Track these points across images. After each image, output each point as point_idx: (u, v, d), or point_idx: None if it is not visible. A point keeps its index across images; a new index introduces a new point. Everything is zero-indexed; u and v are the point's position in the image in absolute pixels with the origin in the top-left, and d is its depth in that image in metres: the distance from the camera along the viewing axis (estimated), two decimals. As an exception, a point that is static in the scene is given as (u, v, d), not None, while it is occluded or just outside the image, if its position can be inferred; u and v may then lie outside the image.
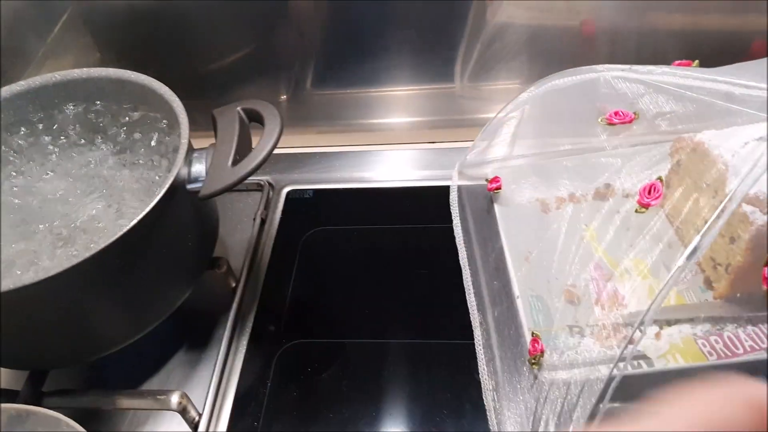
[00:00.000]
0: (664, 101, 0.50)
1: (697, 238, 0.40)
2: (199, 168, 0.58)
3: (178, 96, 0.61)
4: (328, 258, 0.70)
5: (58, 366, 0.61)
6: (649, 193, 0.49)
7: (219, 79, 0.87)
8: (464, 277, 0.63)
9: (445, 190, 0.73)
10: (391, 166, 0.80)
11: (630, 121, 0.52)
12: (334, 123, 0.87)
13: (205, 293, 0.66)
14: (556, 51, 0.78)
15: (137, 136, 0.66)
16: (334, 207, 0.75)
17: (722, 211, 0.41)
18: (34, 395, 0.58)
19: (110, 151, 0.65)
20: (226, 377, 0.61)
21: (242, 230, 0.74)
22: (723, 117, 0.47)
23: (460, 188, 0.70)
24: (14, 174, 0.64)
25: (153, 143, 0.65)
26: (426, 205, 0.74)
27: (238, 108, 0.61)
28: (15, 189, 0.63)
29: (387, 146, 0.83)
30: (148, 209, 0.53)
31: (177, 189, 0.56)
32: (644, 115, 0.52)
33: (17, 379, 0.62)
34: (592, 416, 0.46)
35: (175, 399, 0.57)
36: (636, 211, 0.50)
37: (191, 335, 0.66)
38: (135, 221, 0.52)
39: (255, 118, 0.61)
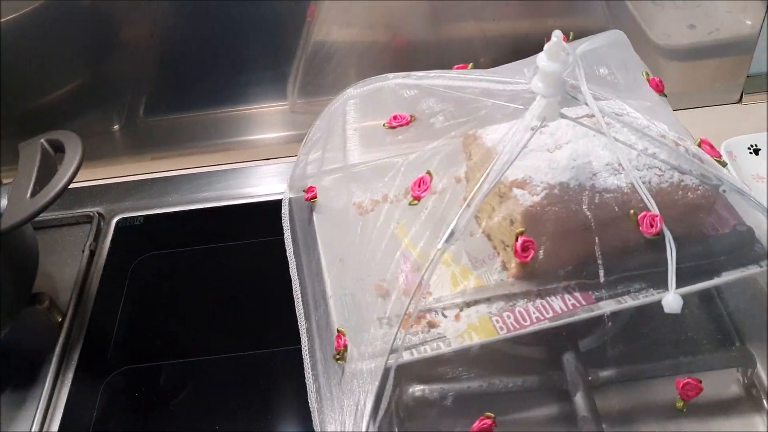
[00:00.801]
0: (435, 102, 0.54)
1: (454, 222, 0.44)
2: (2, 203, 0.57)
3: (7, 132, 0.60)
4: (158, 283, 0.70)
5: None
6: (418, 186, 0.53)
7: (49, 113, 0.86)
8: (293, 287, 0.64)
9: (279, 204, 0.75)
10: (226, 185, 0.81)
11: (407, 124, 0.56)
12: (169, 148, 0.87)
13: (29, 330, 0.65)
14: (372, 64, 0.82)
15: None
16: (165, 231, 0.75)
17: (477, 193, 0.45)
18: None
19: None
20: (50, 413, 0.60)
21: (71, 264, 0.73)
22: (483, 111, 0.51)
23: (290, 201, 0.72)
24: None
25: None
26: (261, 220, 0.75)
27: (42, 140, 0.61)
28: None
29: (222, 166, 0.84)
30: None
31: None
32: (420, 117, 0.55)
33: None
34: (390, 401, 0.49)
35: (-10, 441, 0.55)
36: (410, 204, 0.54)
37: (15, 374, 0.64)
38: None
39: (58, 148, 0.61)
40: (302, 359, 0.60)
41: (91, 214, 0.77)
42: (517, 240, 0.51)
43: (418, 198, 0.53)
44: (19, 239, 0.63)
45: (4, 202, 0.58)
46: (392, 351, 0.50)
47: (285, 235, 0.70)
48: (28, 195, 0.56)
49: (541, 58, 0.46)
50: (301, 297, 0.64)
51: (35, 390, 0.62)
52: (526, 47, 0.80)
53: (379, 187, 0.67)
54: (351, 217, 0.66)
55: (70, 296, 0.68)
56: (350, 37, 0.83)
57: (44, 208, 0.56)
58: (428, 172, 0.53)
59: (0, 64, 0.78)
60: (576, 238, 0.52)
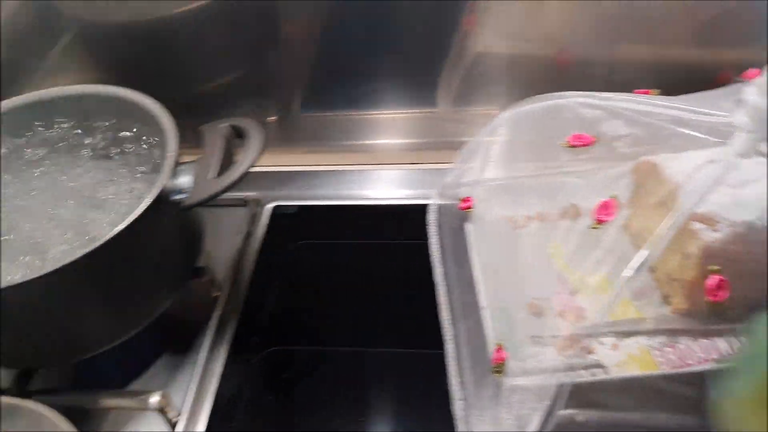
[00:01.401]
0: (621, 125, 0.53)
1: (645, 252, 0.43)
2: (184, 180, 0.61)
3: (171, 115, 0.65)
4: (310, 270, 0.73)
5: (44, 366, 0.63)
6: (603, 210, 0.52)
7: (210, 100, 0.90)
8: (439, 292, 0.65)
9: (426, 208, 0.76)
10: (375, 185, 0.83)
11: (590, 144, 0.56)
12: (321, 143, 0.90)
13: (189, 301, 0.68)
14: (533, 79, 0.81)
15: (127, 149, 0.69)
16: (318, 222, 0.78)
17: (669, 227, 0.44)
18: (21, 393, 0.61)
19: (99, 164, 0.68)
20: (206, 380, 0.63)
21: (228, 244, 0.77)
22: (673, 140, 0.50)
23: (438, 207, 0.73)
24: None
25: (142, 157, 0.68)
26: (406, 222, 0.77)
27: (225, 124, 0.64)
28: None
29: (371, 166, 0.86)
30: (134, 216, 0.56)
31: (163, 199, 0.59)
32: (603, 138, 0.55)
33: (4, 377, 0.64)
34: (548, 420, 0.49)
35: (154, 399, 0.59)
36: (591, 227, 0.53)
37: (174, 340, 0.68)
38: (121, 227, 0.55)
39: (241, 134, 0.64)
40: (441, 364, 0.61)
41: (248, 199, 0.81)
42: (706, 277, 0.49)
43: (600, 222, 0.52)
44: (191, 215, 0.67)
45: (188, 179, 0.61)
46: (554, 371, 0.50)
47: (431, 240, 0.71)
48: (213, 175, 0.60)
49: (750, 92, 0.45)
50: (448, 304, 0.65)
51: (191, 356, 0.66)
52: (699, 76, 0.78)
53: (535, 203, 0.67)
54: (506, 230, 0.67)
55: (226, 274, 0.72)
56: (511, 49, 0.83)
57: (228, 189, 0.59)
58: (613, 197, 0.53)
59: (170, 52, 0.84)
60: (756, 281, 0.50)
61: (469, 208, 0.66)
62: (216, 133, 0.63)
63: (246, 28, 0.85)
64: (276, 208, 0.80)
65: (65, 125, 0.70)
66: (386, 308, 0.69)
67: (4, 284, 0.52)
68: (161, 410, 0.59)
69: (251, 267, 0.73)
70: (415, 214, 0.76)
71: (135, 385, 0.65)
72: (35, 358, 0.61)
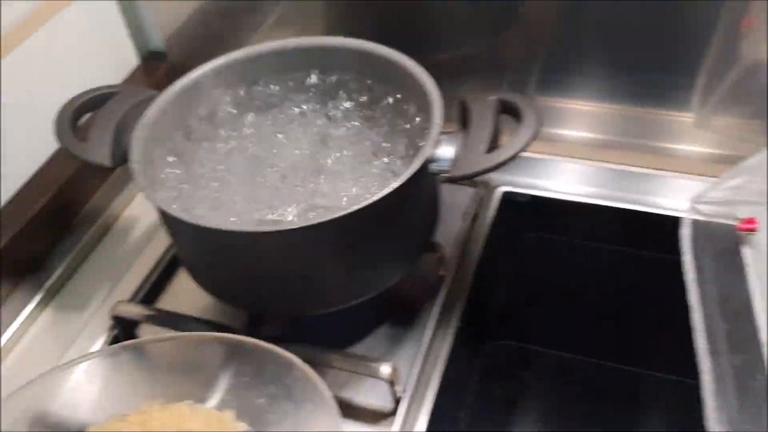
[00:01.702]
0: None
1: None
2: (445, 150, 0.58)
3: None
4: (541, 266, 0.69)
5: (278, 313, 0.63)
6: None
7: (440, 70, 0.87)
8: (693, 317, 0.59)
9: (670, 220, 0.70)
10: (612, 184, 0.77)
11: None
12: (555, 131, 0.85)
13: (415, 275, 0.66)
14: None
15: (379, 111, 0.67)
16: (551, 216, 0.73)
17: None
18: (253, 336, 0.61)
19: (350, 122, 0.67)
20: (430, 362, 0.61)
21: (452, 223, 0.73)
22: None
23: (695, 222, 0.66)
24: (253, 130, 0.67)
25: (396, 120, 0.66)
26: (648, 232, 0.71)
27: (494, 98, 0.61)
28: (250, 145, 0.66)
29: (611, 165, 0.79)
30: (400, 181, 0.54)
31: (425, 167, 0.56)
32: None
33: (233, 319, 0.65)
34: None
35: (386, 369, 0.57)
36: None
37: (397, 312, 0.66)
38: (386, 191, 0.53)
39: (510, 111, 0.60)
40: (686, 394, 0.55)
41: (477, 179, 0.77)
42: None
43: None
44: (435, 187, 0.64)
45: (447, 150, 0.58)
46: None
47: (684, 257, 0.65)
48: (483, 150, 0.56)
49: None
50: (706, 331, 0.58)
51: (414, 333, 0.64)
52: None
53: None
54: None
55: (452, 254, 0.69)
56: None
57: (498, 167, 0.55)
58: None
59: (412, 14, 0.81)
60: None
61: (752, 230, 0.59)
62: (485, 105, 0.60)
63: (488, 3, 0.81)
64: (506, 194, 0.76)
65: (313, 78, 0.69)
66: (621, 320, 0.64)
67: (274, 228, 0.52)
68: (390, 382, 0.57)
69: (479, 252, 0.70)
70: (657, 225, 0.70)
71: (354, 350, 0.63)
72: (271, 305, 0.61)
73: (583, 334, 0.62)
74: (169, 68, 0.90)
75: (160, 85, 0.84)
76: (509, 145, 0.56)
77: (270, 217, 0.59)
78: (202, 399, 0.54)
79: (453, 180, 0.56)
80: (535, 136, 0.57)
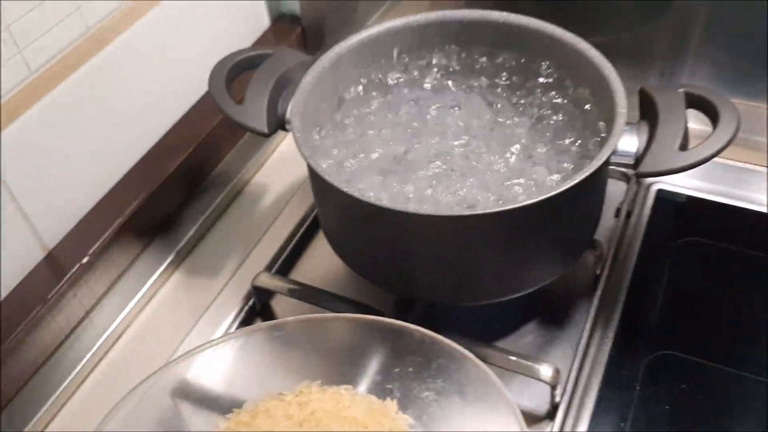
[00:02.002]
0: None
1: None
2: (628, 142, 0.54)
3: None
4: (701, 273, 0.64)
5: (429, 300, 0.60)
6: None
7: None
8: None
9: None
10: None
11: None
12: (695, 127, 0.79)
13: (568, 271, 0.62)
14: None
15: (542, 93, 0.63)
16: (710, 220, 0.68)
17: None
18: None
19: (512, 105, 0.63)
20: (587, 368, 0.57)
21: (605, 219, 0.69)
22: None
23: None
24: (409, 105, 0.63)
25: (564, 105, 0.62)
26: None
27: (681, 91, 0.56)
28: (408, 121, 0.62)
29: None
30: (585, 174, 0.50)
31: (609, 160, 0.52)
32: None
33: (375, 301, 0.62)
34: None
35: (548, 371, 0.53)
36: None
37: (547, 309, 0.62)
38: (570, 183, 0.50)
39: (700, 107, 0.55)
40: None
41: (628, 173, 0.72)
42: None
43: None
44: (602, 182, 0.60)
45: (631, 142, 0.54)
46: None
47: None
48: (676, 147, 0.52)
49: None
50: None
51: (568, 334, 0.61)
52: None
53: None
54: None
55: (607, 253, 0.65)
56: None
57: (693, 167, 0.51)
58: None
59: None
60: None
61: None
62: (673, 98, 0.55)
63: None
64: (660, 191, 0.71)
65: (478, 53, 0.66)
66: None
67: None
68: (552, 385, 0.53)
69: (634, 252, 0.66)
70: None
71: (501, 344, 0.60)
72: (424, 291, 0.58)
73: (751, 350, 0.58)
74: (300, 32, 0.87)
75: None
76: (706, 144, 0.52)
77: (429, 196, 0.56)
78: (356, 384, 0.51)
79: (645, 176, 0.52)
80: (734, 138, 0.52)
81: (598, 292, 0.62)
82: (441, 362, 0.48)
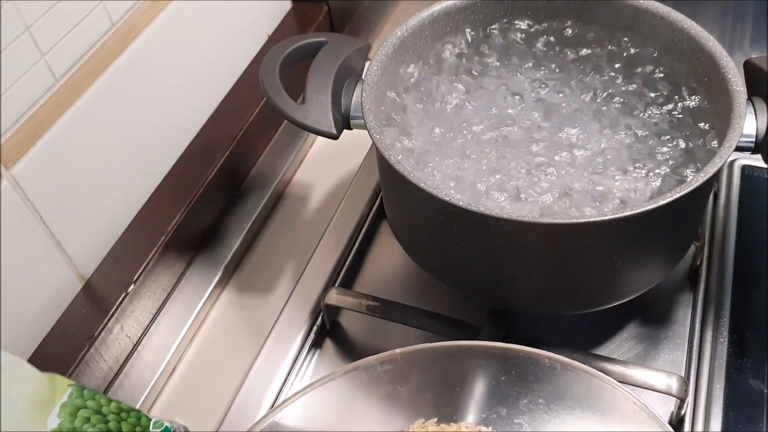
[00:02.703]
0: None
1: None
2: (747, 123, 0.48)
3: None
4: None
5: (531, 311, 0.54)
6: None
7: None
8: None
9: None
10: None
11: None
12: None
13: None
14: None
15: (640, 76, 0.56)
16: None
17: None
18: (497, 338, 0.52)
19: (609, 91, 0.56)
20: (706, 372, 0.52)
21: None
22: None
23: None
24: (504, 87, 0.57)
25: (665, 91, 0.55)
26: None
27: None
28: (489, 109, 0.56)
29: None
30: (714, 169, 0.44)
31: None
32: None
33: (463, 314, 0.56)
34: None
35: (675, 384, 0.48)
36: None
37: (647, 307, 0.57)
38: (699, 181, 0.44)
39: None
40: None
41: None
42: None
43: None
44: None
45: (752, 122, 0.48)
46: None
47: None
48: None
49: None
50: None
51: (671, 333, 0.56)
52: None
53: None
54: None
55: (704, 240, 0.59)
56: None
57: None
58: None
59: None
60: None
61: None
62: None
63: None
64: (746, 168, 0.66)
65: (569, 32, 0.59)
66: None
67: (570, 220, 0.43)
68: (680, 399, 0.48)
69: (732, 237, 0.60)
70: None
71: (599, 351, 0.55)
72: (525, 301, 0.52)
73: None
74: (327, 12, 0.79)
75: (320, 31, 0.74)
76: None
77: (522, 197, 0.49)
78: (478, 420, 0.45)
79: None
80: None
81: (701, 286, 0.57)
82: (576, 390, 0.42)
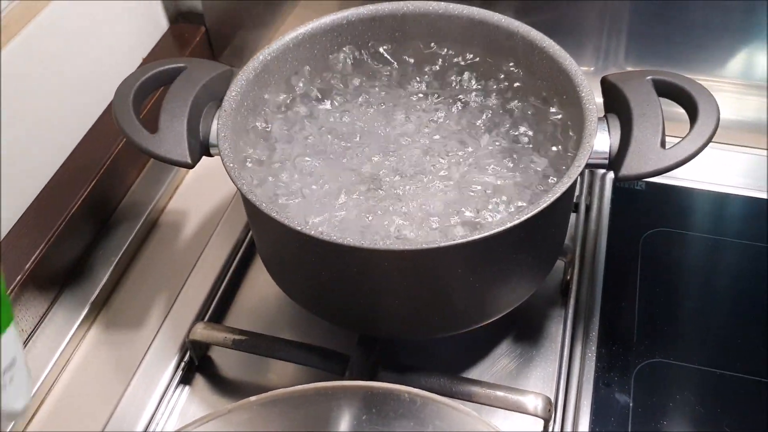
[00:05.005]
0: None
1: None
2: (600, 140, 0.49)
3: None
4: (675, 267, 0.61)
5: (398, 336, 0.53)
6: None
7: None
8: None
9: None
10: (728, 169, 0.68)
11: None
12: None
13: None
14: None
15: (497, 93, 0.57)
16: (672, 207, 0.65)
17: None
18: (367, 365, 0.51)
19: (464, 107, 0.56)
20: (575, 387, 0.53)
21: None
22: None
23: None
24: (342, 110, 0.56)
25: (521, 106, 0.56)
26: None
27: (649, 78, 0.51)
28: (343, 120, 0.55)
29: (719, 145, 0.71)
30: (565, 186, 0.45)
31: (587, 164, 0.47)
32: None
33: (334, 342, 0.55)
34: None
35: (539, 404, 0.48)
36: None
37: (518, 325, 0.57)
38: (551, 199, 0.44)
39: (673, 96, 0.51)
40: None
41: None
42: None
43: None
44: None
45: (606, 139, 0.49)
46: None
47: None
48: (658, 143, 0.47)
49: None
50: None
51: (544, 351, 0.56)
52: None
53: None
54: None
55: (573, 254, 0.60)
56: None
57: (679, 165, 0.47)
58: None
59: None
60: None
61: None
62: (642, 88, 0.50)
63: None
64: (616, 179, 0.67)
65: (424, 51, 0.58)
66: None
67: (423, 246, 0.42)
68: (545, 419, 0.48)
69: (602, 251, 0.61)
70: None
71: (474, 374, 0.55)
72: (392, 327, 0.51)
73: (742, 348, 0.55)
74: (204, 33, 0.77)
75: (197, 55, 0.72)
76: (689, 139, 0.47)
77: (385, 225, 0.48)
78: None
79: (627, 179, 0.47)
80: (717, 129, 0.48)
81: (571, 301, 0.57)
82: (438, 424, 0.41)
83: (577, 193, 0.65)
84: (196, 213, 0.68)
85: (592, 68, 0.78)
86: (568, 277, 0.59)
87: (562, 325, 0.57)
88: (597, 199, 0.65)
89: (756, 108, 0.73)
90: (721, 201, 0.65)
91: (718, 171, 0.67)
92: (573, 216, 0.64)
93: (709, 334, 0.56)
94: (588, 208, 0.64)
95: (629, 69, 0.76)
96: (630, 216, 0.64)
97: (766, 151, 0.70)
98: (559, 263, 0.58)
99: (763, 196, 0.65)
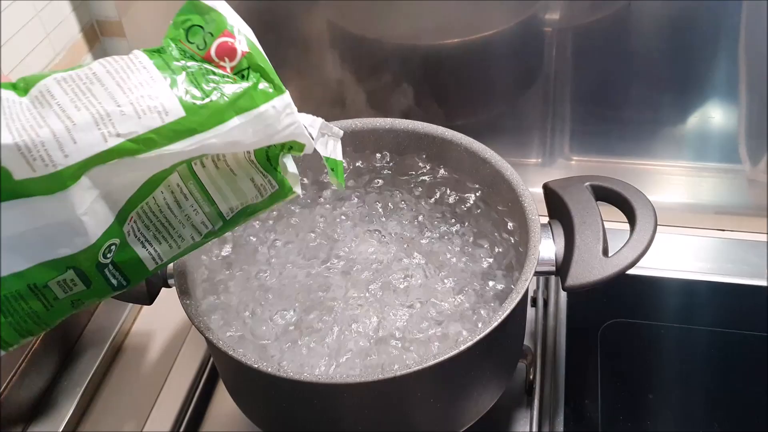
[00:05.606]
0: None
1: None
2: (546, 247, 0.51)
3: None
4: (636, 358, 0.62)
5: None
6: None
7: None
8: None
9: (750, 290, 0.65)
10: (672, 253, 0.71)
11: None
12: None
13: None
14: None
15: (444, 202, 0.59)
16: (625, 296, 0.66)
17: None
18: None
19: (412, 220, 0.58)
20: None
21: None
22: None
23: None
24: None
25: (469, 213, 0.58)
26: (728, 306, 0.66)
27: (587, 184, 0.54)
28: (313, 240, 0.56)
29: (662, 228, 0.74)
30: (518, 296, 0.46)
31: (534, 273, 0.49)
32: None
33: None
34: None
35: None
36: None
37: (486, 428, 0.57)
38: (504, 314, 0.45)
39: (610, 200, 0.53)
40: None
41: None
42: None
43: None
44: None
45: (551, 245, 0.51)
46: None
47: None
48: (600, 252, 0.49)
49: None
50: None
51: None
52: None
53: None
54: None
55: (533, 351, 0.61)
56: None
57: (622, 273, 0.49)
58: None
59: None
60: None
61: None
62: (581, 195, 0.53)
63: (508, 64, 0.74)
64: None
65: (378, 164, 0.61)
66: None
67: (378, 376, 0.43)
68: None
69: (562, 346, 0.62)
70: (735, 296, 0.66)
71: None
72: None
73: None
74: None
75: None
76: (630, 246, 0.49)
77: (341, 350, 0.49)
78: None
79: (574, 289, 0.49)
80: (654, 235, 0.50)
81: (536, 401, 0.58)
82: None
83: (534, 287, 0.67)
84: (162, 333, 0.68)
85: (540, 160, 0.81)
86: (531, 377, 0.60)
87: (529, 426, 0.57)
88: (554, 293, 0.66)
89: (708, 190, 0.76)
90: (679, 287, 0.67)
91: (674, 256, 0.70)
92: (531, 311, 0.65)
93: (673, 424, 0.57)
94: (546, 303, 0.66)
95: (574, 159, 0.80)
96: (587, 307, 0.65)
97: (721, 232, 0.73)
98: (523, 366, 0.59)
99: (722, 279, 0.67)
